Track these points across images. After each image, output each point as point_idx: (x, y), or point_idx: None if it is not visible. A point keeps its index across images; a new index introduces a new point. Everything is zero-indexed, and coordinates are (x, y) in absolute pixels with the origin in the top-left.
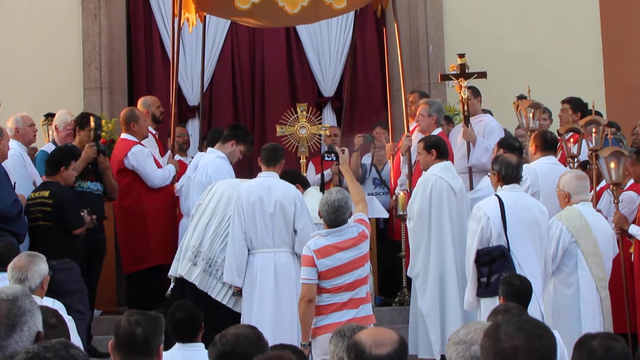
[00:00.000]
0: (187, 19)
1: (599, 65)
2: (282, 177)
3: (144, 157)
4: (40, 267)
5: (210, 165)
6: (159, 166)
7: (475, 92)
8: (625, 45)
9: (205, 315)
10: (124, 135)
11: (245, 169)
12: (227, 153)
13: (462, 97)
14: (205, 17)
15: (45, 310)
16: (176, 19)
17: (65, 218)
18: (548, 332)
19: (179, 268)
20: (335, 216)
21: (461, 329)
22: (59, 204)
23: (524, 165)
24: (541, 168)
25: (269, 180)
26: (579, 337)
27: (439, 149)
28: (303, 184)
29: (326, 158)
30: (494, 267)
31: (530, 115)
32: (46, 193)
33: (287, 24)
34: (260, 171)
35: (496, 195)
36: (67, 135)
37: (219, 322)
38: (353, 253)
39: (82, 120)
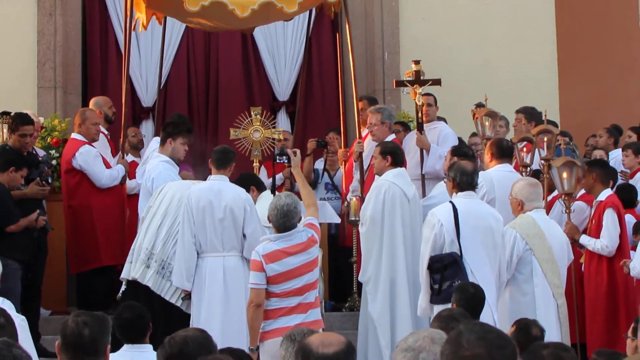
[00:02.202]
0: (138, 19)
1: (553, 78)
2: (238, 179)
3: (92, 158)
4: None
5: (154, 170)
6: (109, 166)
7: (435, 99)
8: (580, 58)
9: (159, 317)
10: (74, 135)
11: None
12: (170, 154)
13: (417, 104)
14: (164, 18)
15: None
16: (128, 19)
17: None
18: (510, 342)
19: (132, 271)
20: (284, 221)
21: (409, 336)
22: None
23: (480, 173)
24: (497, 175)
25: (219, 184)
26: None
27: (394, 156)
28: (258, 187)
29: (278, 160)
30: (447, 274)
31: (487, 124)
32: None
33: (237, 27)
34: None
35: (450, 202)
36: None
37: (172, 324)
38: (302, 258)
39: (13, 123)
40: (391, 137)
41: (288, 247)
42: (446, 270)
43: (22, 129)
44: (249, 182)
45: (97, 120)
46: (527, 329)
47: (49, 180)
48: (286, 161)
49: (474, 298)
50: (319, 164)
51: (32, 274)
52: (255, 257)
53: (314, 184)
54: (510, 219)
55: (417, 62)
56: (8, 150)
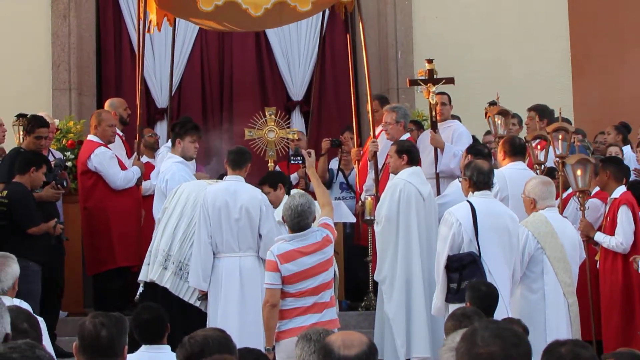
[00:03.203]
0: (151, 21)
1: (567, 75)
2: (266, 177)
3: (107, 159)
4: (13, 268)
5: (167, 171)
6: (124, 168)
7: (449, 98)
8: (594, 56)
9: (177, 318)
10: (89, 137)
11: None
12: (180, 154)
13: (430, 103)
14: (175, 20)
15: (17, 314)
16: (141, 21)
17: (16, 216)
18: (524, 340)
19: (149, 273)
20: (298, 220)
21: (456, 334)
22: (12, 202)
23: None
24: (510, 173)
25: (234, 184)
26: (544, 344)
27: (410, 155)
28: (284, 185)
29: (292, 161)
30: (465, 274)
31: (499, 122)
32: (4, 193)
33: (250, 28)
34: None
35: (468, 201)
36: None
37: (191, 324)
38: (317, 257)
39: (29, 125)
40: (406, 136)
41: (303, 246)
42: (465, 270)
43: (38, 131)
44: (278, 180)
45: (113, 122)
46: None
47: (64, 184)
48: (301, 161)
49: (486, 296)
50: (334, 164)
51: (52, 276)
52: (270, 257)
53: (328, 184)
54: (524, 216)
55: (430, 61)
56: (24, 152)
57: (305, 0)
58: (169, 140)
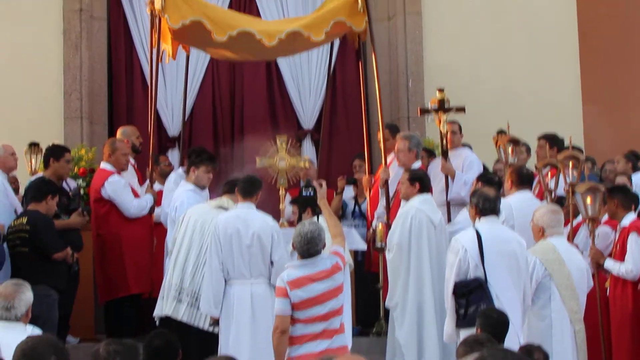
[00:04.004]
0: (164, 50)
1: (577, 104)
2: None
3: (120, 187)
4: (26, 295)
5: (177, 199)
6: (137, 196)
7: (460, 126)
8: (604, 84)
9: (194, 348)
10: (103, 165)
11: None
12: (194, 182)
13: (441, 131)
14: (189, 48)
15: (47, 345)
16: (154, 50)
17: (40, 243)
18: None
19: (164, 308)
20: (308, 247)
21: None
22: (35, 229)
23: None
24: (516, 203)
25: (246, 212)
26: None
27: (422, 183)
28: (313, 210)
29: (304, 193)
30: (472, 299)
31: (509, 150)
32: (24, 220)
33: (263, 58)
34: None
35: (474, 227)
36: None
37: (210, 352)
38: (327, 284)
39: (55, 151)
40: (417, 164)
41: (313, 273)
42: (471, 295)
43: (66, 155)
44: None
45: (127, 151)
46: (530, 354)
47: (84, 212)
48: (312, 193)
49: (497, 323)
50: (347, 192)
51: (62, 303)
52: (280, 283)
53: (342, 216)
54: (531, 244)
55: (441, 90)
56: (47, 181)
57: (319, 30)
58: (180, 168)
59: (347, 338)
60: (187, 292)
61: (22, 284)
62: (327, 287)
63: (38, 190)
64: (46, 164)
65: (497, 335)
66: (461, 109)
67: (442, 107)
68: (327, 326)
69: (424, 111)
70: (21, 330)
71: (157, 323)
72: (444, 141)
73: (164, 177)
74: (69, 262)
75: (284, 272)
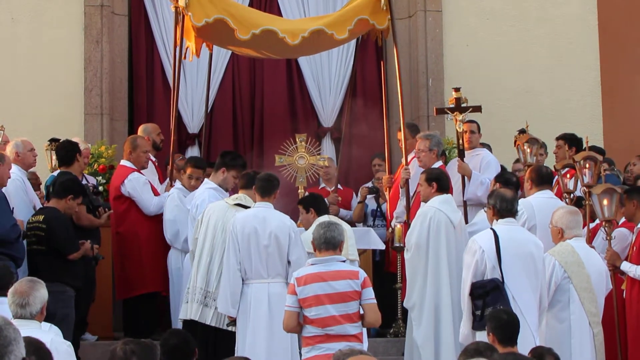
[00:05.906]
0: (188, 47)
1: (597, 104)
2: (302, 199)
3: (140, 185)
4: (41, 292)
5: (199, 197)
6: (157, 193)
7: (478, 126)
8: (624, 84)
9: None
10: (123, 162)
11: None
12: (219, 181)
13: (457, 131)
14: (212, 45)
15: (26, 345)
16: (177, 48)
17: (56, 242)
18: None
19: (189, 312)
20: (324, 231)
21: None
22: (51, 228)
23: (520, 200)
24: (537, 202)
25: (263, 210)
26: None
27: (439, 182)
28: (317, 210)
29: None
30: (488, 300)
31: (528, 150)
32: (41, 217)
33: (287, 56)
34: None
35: (492, 228)
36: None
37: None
38: (336, 285)
39: (76, 146)
40: (438, 164)
41: (323, 272)
42: (488, 296)
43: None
44: (311, 202)
45: (148, 148)
46: (541, 357)
47: (106, 209)
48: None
49: (507, 325)
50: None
51: (78, 301)
52: (291, 280)
53: (364, 220)
54: (551, 245)
55: (457, 90)
56: (77, 181)
57: (342, 29)
58: (176, 181)
59: (363, 346)
60: (214, 297)
61: (37, 281)
62: (336, 289)
63: (64, 187)
64: (71, 160)
65: (507, 337)
66: (477, 109)
67: (459, 106)
68: (339, 331)
69: (440, 111)
70: (36, 328)
71: (182, 326)
72: (461, 141)
73: (179, 171)
74: (90, 255)
75: (298, 269)
